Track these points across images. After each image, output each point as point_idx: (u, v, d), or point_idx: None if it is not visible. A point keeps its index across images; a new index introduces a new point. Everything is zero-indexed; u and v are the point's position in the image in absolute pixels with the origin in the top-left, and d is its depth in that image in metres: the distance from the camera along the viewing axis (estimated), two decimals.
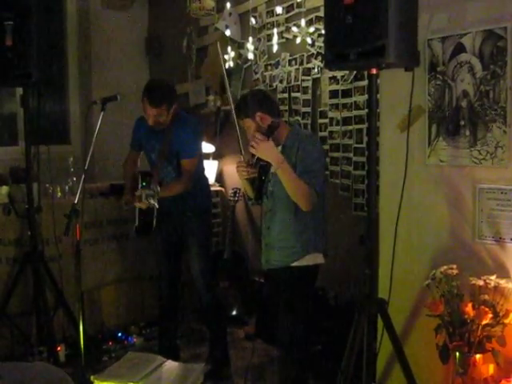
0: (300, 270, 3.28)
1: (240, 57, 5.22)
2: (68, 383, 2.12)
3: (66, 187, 4.60)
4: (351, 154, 4.24)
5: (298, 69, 4.67)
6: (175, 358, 3.79)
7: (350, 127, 4.27)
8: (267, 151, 3.03)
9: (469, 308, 2.62)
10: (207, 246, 4.12)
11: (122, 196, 4.12)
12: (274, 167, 3.08)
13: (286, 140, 3.25)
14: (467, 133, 2.79)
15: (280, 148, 3.22)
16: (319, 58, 4.42)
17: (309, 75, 4.57)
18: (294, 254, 3.27)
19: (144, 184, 3.89)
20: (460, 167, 2.85)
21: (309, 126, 4.59)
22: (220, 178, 5.67)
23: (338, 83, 4.33)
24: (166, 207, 3.90)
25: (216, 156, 5.52)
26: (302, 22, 4.41)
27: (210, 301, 4.06)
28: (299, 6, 4.57)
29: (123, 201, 4.10)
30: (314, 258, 3.29)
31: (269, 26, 4.91)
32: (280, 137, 3.26)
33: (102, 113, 3.56)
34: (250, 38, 4.89)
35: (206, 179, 4.26)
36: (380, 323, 2.69)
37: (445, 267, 2.72)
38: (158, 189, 3.71)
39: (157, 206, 3.69)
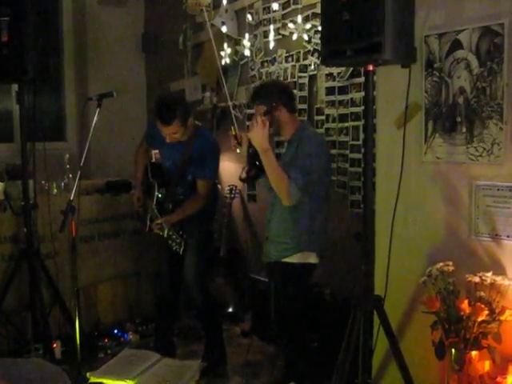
0: (291, 266, 3.38)
1: (236, 53, 5.21)
2: (64, 379, 2.12)
3: (62, 184, 4.59)
4: (347, 151, 4.23)
5: (294, 65, 4.66)
6: (171, 355, 3.80)
7: (347, 124, 4.26)
8: (257, 135, 3.08)
9: (465, 305, 2.62)
10: (205, 248, 4.10)
11: (132, 191, 4.14)
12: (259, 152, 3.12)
13: (293, 136, 3.28)
14: (464, 129, 2.79)
15: (286, 144, 3.27)
16: (316, 54, 4.41)
17: (305, 72, 4.56)
18: (286, 250, 3.37)
19: (160, 196, 3.93)
20: (456, 164, 2.84)
21: None
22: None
23: (334, 80, 4.33)
24: (174, 208, 3.93)
25: None
26: (299, 19, 4.40)
27: (202, 301, 4.06)
28: (296, 2, 4.56)
29: (134, 197, 4.10)
30: (306, 257, 3.34)
31: (265, 22, 4.90)
32: (287, 131, 3.31)
33: (97, 109, 3.56)
34: (247, 35, 4.89)
35: (216, 186, 4.26)
36: (376, 320, 2.69)
37: (441, 264, 2.72)
38: (184, 237, 3.73)
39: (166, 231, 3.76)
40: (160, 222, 3.77)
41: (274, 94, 3.38)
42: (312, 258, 3.35)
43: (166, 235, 3.74)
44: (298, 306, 3.43)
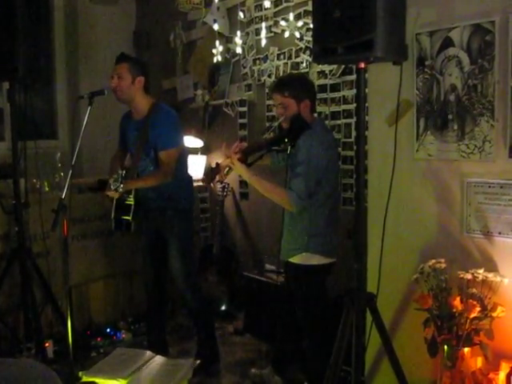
0: (296, 266, 3.42)
1: (228, 51, 5.21)
2: (54, 381, 2.10)
3: (54, 182, 4.57)
4: (340, 149, 4.24)
5: (286, 63, 4.67)
6: (164, 354, 3.78)
7: (339, 121, 4.27)
8: (237, 171, 3.31)
9: (457, 301, 2.63)
10: (188, 247, 4.04)
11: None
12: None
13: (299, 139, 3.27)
14: (455, 127, 2.80)
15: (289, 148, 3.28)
16: (307, 52, 4.41)
17: (297, 69, 4.56)
18: (290, 250, 3.44)
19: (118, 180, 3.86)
20: (448, 161, 2.85)
21: None
22: None
23: (326, 77, 4.33)
24: (146, 205, 3.88)
25: (204, 151, 5.51)
26: (291, 16, 4.41)
27: (193, 301, 4.04)
28: (287, 0, 4.56)
29: (105, 194, 4.03)
30: (307, 258, 3.36)
31: (257, 20, 4.90)
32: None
33: (89, 107, 3.54)
34: (239, 32, 4.89)
35: (189, 176, 4.17)
36: (369, 317, 2.69)
37: (433, 261, 2.73)
38: (122, 172, 3.62)
39: (120, 190, 3.59)
40: (109, 183, 3.66)
41: (308, 92, 3.41)
42: (314, 260, 3.36)
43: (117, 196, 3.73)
44: (309, 306, 3.45)
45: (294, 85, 3.38)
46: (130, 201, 3.80)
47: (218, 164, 3.38)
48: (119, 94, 3.82)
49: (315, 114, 3.58)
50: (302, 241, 3.36)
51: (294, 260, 3.40)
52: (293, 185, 3.22)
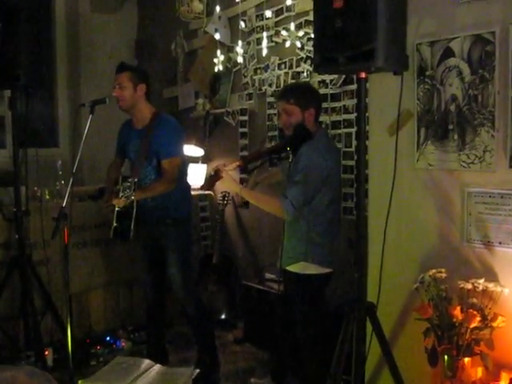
0: (293, 275, 3.41)
1: (229, 60, 5.23)
2: None
3: (55, 190, 4.58)
4: (340, 158, 4.24)
5: (287, 72, 4.68)
6: (164, 362, 3.78)
7: (339, 131, 4.27)
8: (227, 186, 3.47)
9: (457, 311, 2.62)
10: (187, 256, 4.03)
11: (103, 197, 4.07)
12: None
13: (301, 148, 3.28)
14: (456, 137, 2.80)
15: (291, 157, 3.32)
16: (308, 61, 4.42)
17: (298, 79, 4.57)
18: (288, 259, 3.43)
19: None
20: (448, 171, 2.85)
21: None
22: None
23: (327, 87, 4.34)
24: (144, 214, 3.87)
25: (205, 160, 5.52)
26: (292, 26, 4.42)
27: (193, 310, 4.03)
28: (289, 9, 4.58)
29: (104, 200, 3.99)
30: (303, 268, 3.35)
31: (258, 29, 4.92)
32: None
33: (90, 116, 3.55)
34: (240, 42, 4.90)
35: (187, 185, 4.17)
36: (369, 327, 2.69)
37: (433, 271, 2.73)
38: (135, 180, 3.65)
39: (132, 198, 3.62)
40: (117, 190, 3.69)
41: (315, 101, 3.43)
42: (312, 269, 3.36)
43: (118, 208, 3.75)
44: (307, 315, 3.45)
45: (300, 93, 3.39)
46: (132, 209, 3.80)
47: (216, 171, 3.37)
48: (122, 104, 3.84)
49: None
50: (300, 249, 3.36)
51: (292, 268, 3.40)
52: (288, 192, 3.22)
